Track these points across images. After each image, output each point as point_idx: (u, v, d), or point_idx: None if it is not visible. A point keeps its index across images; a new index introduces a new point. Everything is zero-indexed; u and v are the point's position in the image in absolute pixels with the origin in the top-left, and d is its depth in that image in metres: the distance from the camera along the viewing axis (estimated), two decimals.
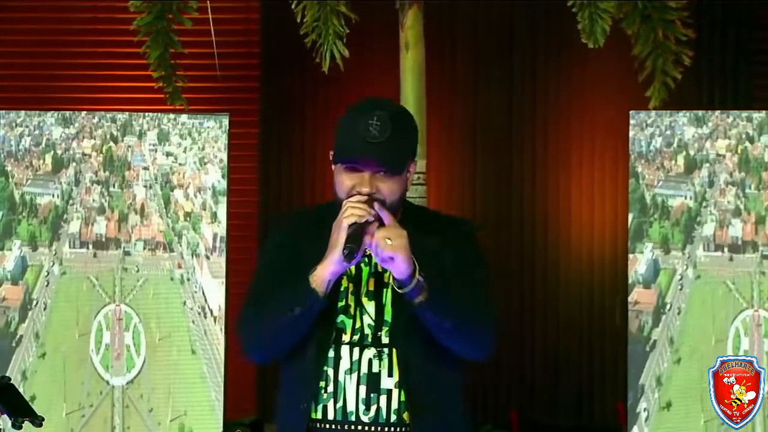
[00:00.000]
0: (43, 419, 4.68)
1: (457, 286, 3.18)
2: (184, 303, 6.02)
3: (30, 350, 6.07)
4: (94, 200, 6.17)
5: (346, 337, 3.20)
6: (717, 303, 5.88)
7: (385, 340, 3.20)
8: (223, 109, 7.19)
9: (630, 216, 6.04)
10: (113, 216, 6.15)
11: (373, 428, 3.19)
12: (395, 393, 3.19)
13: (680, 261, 5.97)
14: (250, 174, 8.67)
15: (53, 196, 6.19)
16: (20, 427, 4.56)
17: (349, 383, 3.19)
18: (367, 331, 3.21)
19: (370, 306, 3.22)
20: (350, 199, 3.16)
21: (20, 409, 4.65)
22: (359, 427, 3.19)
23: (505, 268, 8.90)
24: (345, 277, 3.22)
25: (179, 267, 6.05)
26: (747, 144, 6.00)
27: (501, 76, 8.99)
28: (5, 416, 4.61)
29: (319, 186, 8.68)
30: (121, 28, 7.54)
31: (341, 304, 3.22)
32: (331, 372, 3.20)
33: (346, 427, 3.19)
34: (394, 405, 3.18)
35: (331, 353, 3.20)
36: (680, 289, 5.93)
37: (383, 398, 3.18)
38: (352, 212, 3.12)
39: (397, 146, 3.18)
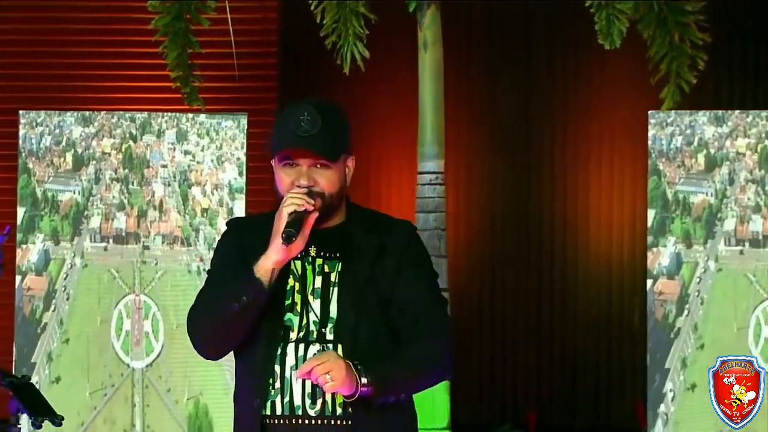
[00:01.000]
0: (62, 418, 4.67)
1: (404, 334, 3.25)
2: None
3: (54, 336, 6.15)
4: (113, 197, 6.21)
5: (293, 335, 3.25)
6: (738, 294, 5.91)
7: (329, 336, 3.24)
8: (241, 109, 7.20)
9: (652, 212, 6.06)
10: (132, 212, 6.19)
11: (319, 421, 3.22)
12: None
13: (702, 255, 6.00)
14: (268, 173, 8.66)
15: (74, 192, 6.24)
16: (40, 426, 4.54)
17: (296, 379, 3.23)
18: (312, 327, 3.25)
19: (315, 303, 3.27)
20: (291, 192, 3.24)
21: (39, 408, 4.62)
22: (306, 421, 3.23)
23: (523, 268, 8.90)
24: (291, 276, 3.28)
25: (200, 260, 6.09)
26: (767, 142, 6.02)
27: (519, 76, 8.99)
28: (25, 415, 4.60)
29: None
30: (140, 28, 7.56)
31: (288, 302, 3.27)
32: (278, 369, 3.25)
33: (293, 421, 3.23)
34: (340, 398, 3.21)
35: (279, 350, 3.25)
36: (702, 282, 5.96)
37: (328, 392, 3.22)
38: (292, 201, 3.21)
39: (329, 136, 3.26)
